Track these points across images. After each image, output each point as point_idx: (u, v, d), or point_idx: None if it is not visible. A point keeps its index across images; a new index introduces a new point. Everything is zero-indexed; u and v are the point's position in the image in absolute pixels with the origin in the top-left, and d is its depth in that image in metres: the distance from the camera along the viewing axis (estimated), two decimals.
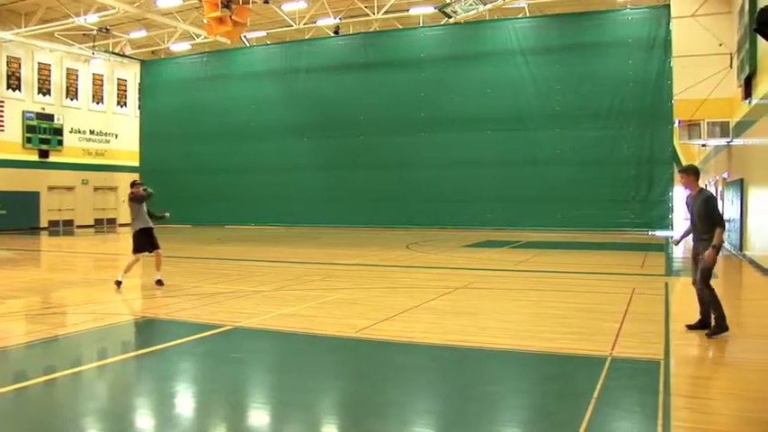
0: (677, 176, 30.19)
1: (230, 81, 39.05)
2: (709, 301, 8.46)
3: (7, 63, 35.82)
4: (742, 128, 19.22)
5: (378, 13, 32.81)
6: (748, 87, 17.74)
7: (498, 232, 30.39)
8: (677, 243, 9.76)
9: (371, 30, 36.38)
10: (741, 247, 18.88)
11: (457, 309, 10.68)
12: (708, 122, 21.67)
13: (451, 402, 6.10)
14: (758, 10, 13.62)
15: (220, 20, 24.09)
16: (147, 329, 9.68)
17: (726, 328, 8.30)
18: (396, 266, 17.61)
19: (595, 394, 5.99)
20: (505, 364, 7.48)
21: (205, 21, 25.63)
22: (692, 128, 22.46)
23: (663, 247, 23.31)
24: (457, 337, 8.50)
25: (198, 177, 39.00)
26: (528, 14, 33.33)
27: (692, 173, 8.77)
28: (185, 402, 6.22)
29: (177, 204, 38.45)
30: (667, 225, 29.84)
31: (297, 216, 36.14)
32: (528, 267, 17.25)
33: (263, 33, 37.37)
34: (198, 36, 36.06)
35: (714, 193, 8.30)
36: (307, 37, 37.85)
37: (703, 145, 25.39)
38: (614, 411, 5.72)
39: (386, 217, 34.23)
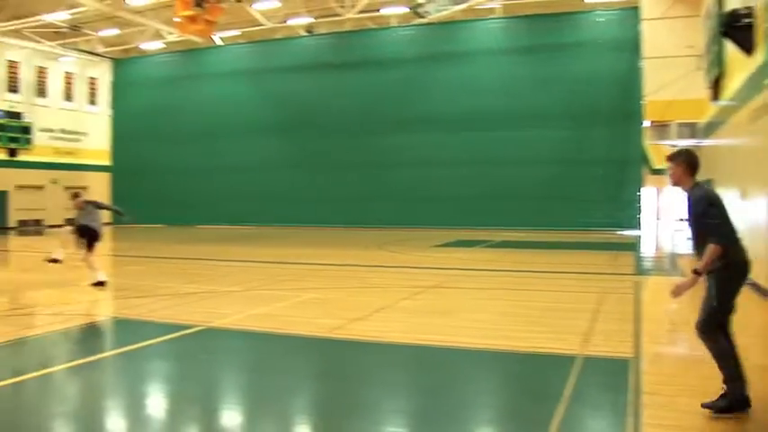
0: (647, 177, 30.65)
1: (203, 80, 38.81)
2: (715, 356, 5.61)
3: None
4: (711, 129, 19.48)
5: (350, 12, 32.78)
6: (716, 89, 17.97)
7: (470, 232, 30.47)
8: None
9: (344, 29, 36.34)
10: None
11: (428, 308, 10.71)
12: (677, 123, 21.94)
13: (423, 402, 6.11)
14: (725, 14, 13.82)
15: (192, 18, 23.95)
16: (118, 330, 9.59)
17: (741, 404, 5.41)
18: (368, 266, 17.60)
19: (566, 393, 6.02)
20: (476, 364, 7.51)
21: (177, 19, 25.43)
22: (661, 128, 22.74)
23: (632, 246, 23.55)
24: (428, 337, 8.52)
25: (170, 177, 38.71)
26: (500, 15, 33.47)
27: (681, 161, 5.66)
28: (156, 404, 6.17)
29: (149, 204, 38.49)
30: (636, 225, 30.13)
31: (269, 216, 35.97)
32: (499, 267, 17.35)
33: (236, 32, 37.19)
34: (170, 34, 35.78)
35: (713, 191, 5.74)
36: (279, 36, 37.71)
37: (673, 146, 25.69)
38: (584, 410, 5.76)
39: (358, 217, 34.19)
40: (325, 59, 35.81)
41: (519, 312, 10.35)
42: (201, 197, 37.90)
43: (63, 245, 14.80)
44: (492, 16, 33.46)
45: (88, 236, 13.42)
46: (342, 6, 32.96)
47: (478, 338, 8.46)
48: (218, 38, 37.71)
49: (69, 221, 15.60)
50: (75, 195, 14.21)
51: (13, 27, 33.11)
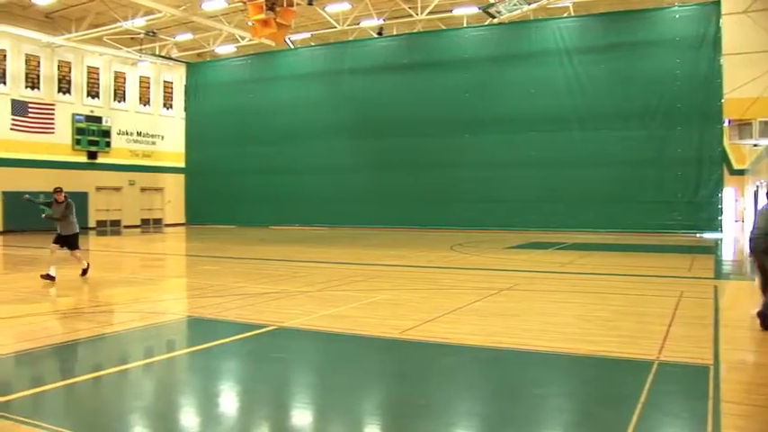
0: (727, 178, 29.71)
1: (275, 83, 39.32)
2: None
3: (58, 67, 36.56)
4: None
5: (421, 13, 32.77)
6: None
7: (543, 234, 30.13)
8: None
9: (415, 31, 36.33)
10: None
11: (501, 310, 10.60)
12: (760, 122, 21.20)
13: (496, 404, 6.04)
14: None
15: (265, 22, 24.19)
16: (193, 329, 9.77)
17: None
18: (440, 268, 17.55)
19: (642, 398, 5.87)
20: (550, 367, 7.38)
21: (250, 23, 25.79)
22: (742, 127, 22.00)
23: (712, 249, 22.86)
24: (501, 339, 8.43)
25: (243, 178, 39.38)
26: (573, 14, 32.97)
27: None
28: (229, 401, 6.26)
29: (222, 205, 39.30)
30: (717, 227, 29.22)
31: (341, 217, 36.21)
32: (573, 269, 17.06)
33: (308, 35, 37.57)
34: (243, 38, 36.37)
35: None
36: (350, 38, 37.94)
37: (755, 145, 24.86)
38: (661, 416, 5.59)
39: (430, 218, 34.13)
40: (396, 61, 35.83)
41: (594, 315, 10.14)
42: (274, 198, 38.42)
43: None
44: (565, 15, 32.99)
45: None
46: (412, 7, 32.93)
47: (552, 341, 8.33)
48: (290, 41, 38.15)
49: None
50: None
51: (93, 35, 34.15)
